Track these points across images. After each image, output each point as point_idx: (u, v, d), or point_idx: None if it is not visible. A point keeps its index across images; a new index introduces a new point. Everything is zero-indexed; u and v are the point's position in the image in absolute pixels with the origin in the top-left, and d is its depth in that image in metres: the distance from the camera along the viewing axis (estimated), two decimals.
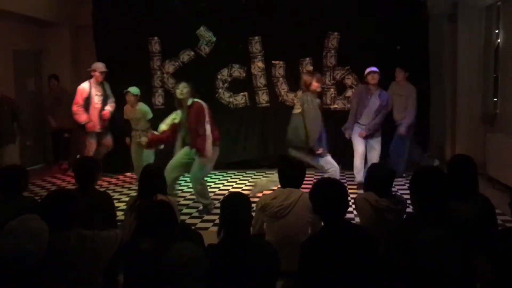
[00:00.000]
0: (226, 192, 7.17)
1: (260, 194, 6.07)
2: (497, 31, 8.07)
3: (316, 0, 8.34)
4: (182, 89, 6.02)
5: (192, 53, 8.79)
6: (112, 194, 6.55)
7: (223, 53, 8.64)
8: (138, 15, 8.72)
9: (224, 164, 8.35)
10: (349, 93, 8.50)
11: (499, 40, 7.98)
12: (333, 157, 6.40)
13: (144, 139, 7.09)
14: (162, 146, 7.01)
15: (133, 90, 7.44)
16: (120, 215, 4.93)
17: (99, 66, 7.88)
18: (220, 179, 8.15)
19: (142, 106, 7.52)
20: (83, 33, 9.73)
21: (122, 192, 7.34)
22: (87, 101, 7.78)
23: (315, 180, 3.35)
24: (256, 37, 8.63)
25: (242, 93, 8.68)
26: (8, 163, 6.25)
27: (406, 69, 7.73)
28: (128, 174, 8.46)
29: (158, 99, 8.89)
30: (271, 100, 8.68)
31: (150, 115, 7.50)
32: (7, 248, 2.60)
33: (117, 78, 8.37)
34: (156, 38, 8.86)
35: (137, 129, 7.52)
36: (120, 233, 3.27)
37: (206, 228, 5.46)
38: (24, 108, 9.35)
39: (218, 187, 7.59)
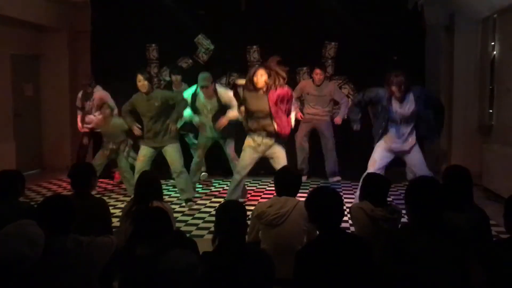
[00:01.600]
0: (222, 199, 7.17)
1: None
2: (493, 43, 8.13)
3: (314, 10, 8.40)
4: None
5: (190, 60, 8.82)
6: (108, 200, 6.56)
7: (221, 61, 8.67)
8: (137, 21, 8.75)
9: (220, 171, 8.37)
10: None
11: (495, 52, 8.03)
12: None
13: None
14: None
15: None
16: (115, 221, 4.93)
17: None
18: (216, 186, 8.14)
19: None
20: (81, 39, 9.74)
21: (118, 198, 7.33)
22: None
23: (311, 189, 3.36)
24: (254, 46, 8.67)
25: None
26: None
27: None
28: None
29: None
30: None
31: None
32: (2, 252, 2.60)
33: (113, 84, 8.38)
34: (154, 45, 8.88)
35: None
36: (115, 239, 3.27)
37: (202, 236, 5.45)
38: (22, 113, 9.40)
39: (214, 195, 7.59)
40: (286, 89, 5.91)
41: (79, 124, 8.32)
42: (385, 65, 8.13)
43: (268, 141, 6.01)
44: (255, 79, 5.88)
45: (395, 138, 5.88)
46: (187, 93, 7.08)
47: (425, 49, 8.43)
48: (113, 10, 8.87)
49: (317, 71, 7.59)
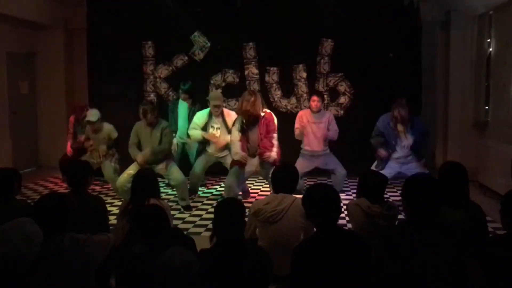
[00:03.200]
0: (219, 197, 7.18)
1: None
2: (489, 39, 8.14)
3: (310, 7, 8.40)
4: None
5: (186, 58, 8.81)
6: (104, 198, 6.53)
7: (217, 58, 8.67)
8: (132, 19, 8.75)
9: (217, 169, 8.36)
10: (342, 99, 8.56)
11: (491, 49, 8.05)
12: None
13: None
14: None
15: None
16: (112, 219, 4.93)
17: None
18: (213, 184, 8.15)
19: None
20: (77, 36, 9.73)
21: (114, 196, 7.31)
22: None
23: (307, 186, 3.36)
24: (251, 43, 8.67)
25: (235, 98, 8.69)
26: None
27: (399, 76, 7.80)
28: None
29: None
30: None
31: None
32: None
33: (109, 82, 8.37)
34: (149, 42, 8.87)
35: None
36: (112, 237, 3.27)
37: (199, 233, 5.45)
38: (18, 111, 9.38)
39: (211, 192, 7.59)
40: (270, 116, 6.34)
41: (68, 148, 7.93)
42: (381, 62, 8.19)
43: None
44: (248, 108, 6.12)
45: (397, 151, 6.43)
46: (201, 115, 6.96)
47: (421, 46, 8.45)
48: (109, 7, 8.86)
49: (314, 97, 7.25)
